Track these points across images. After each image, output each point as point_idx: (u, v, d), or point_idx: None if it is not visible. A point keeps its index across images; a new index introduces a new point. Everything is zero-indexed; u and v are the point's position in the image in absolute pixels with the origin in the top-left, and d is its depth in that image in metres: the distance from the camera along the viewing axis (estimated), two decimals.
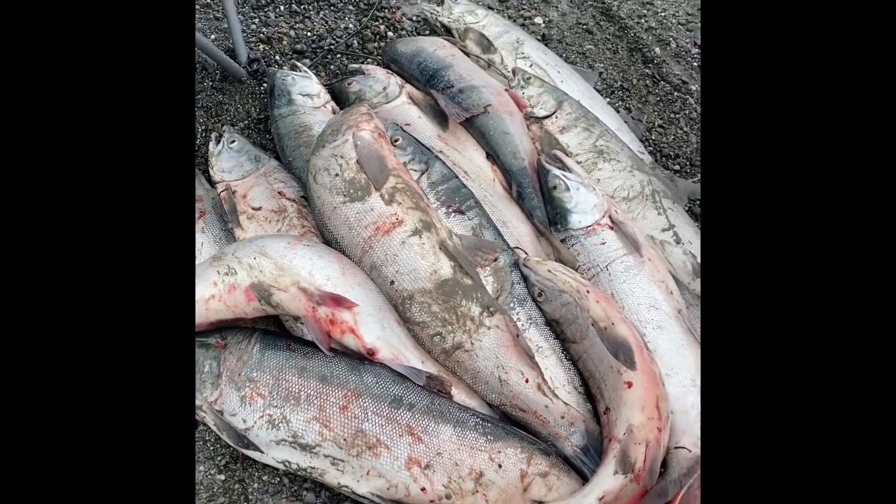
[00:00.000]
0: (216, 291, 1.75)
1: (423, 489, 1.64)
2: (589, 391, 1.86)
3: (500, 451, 1.69)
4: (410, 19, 2.97)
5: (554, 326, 1.93)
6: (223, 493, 1.67)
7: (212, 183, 2.17)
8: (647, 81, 3.02)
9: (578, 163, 2.30)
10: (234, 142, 2.22)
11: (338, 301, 1.73)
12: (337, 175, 1.93)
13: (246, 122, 2.44)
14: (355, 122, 2.00)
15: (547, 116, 2.39)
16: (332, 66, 2.72)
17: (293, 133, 2.28)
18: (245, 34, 2.67)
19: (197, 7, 2.78)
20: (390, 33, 2.87)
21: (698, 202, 2.53)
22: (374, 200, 1.89)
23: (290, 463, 1.67)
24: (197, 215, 2.02)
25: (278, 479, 1.71)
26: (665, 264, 2.06)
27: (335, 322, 1.74)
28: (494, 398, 1.82)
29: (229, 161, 2.18)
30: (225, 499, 1.66)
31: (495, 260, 1.97)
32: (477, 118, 2.29)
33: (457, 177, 2.11)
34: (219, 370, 1.72)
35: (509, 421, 1.81)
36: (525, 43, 2.73)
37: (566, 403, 1.80)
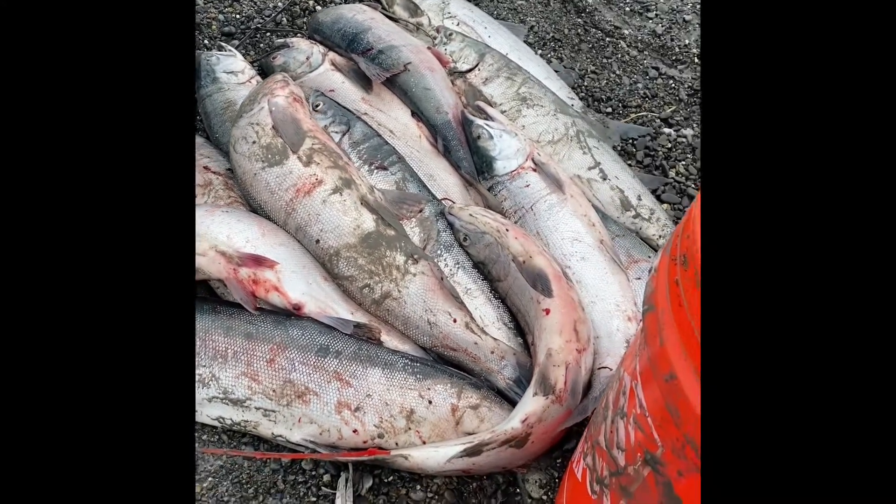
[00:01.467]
0: None
1: (355, 431, 1.68)
2: (518, 326, 1.91)
3: (429, 388, 1.73)
4: None
5: (480, 268, 1.97)
6: None
7: None
8: (580, 30, 3.04)
9: (503, 112, 2.33)
10: None
11: (258, 261, 1.77)
12: (254, 142, 1.96)
13: None
14: (270, 89, 2.04)
15: (470, 70, 2.42)
16: (261, 45, 2.75)
17: (219, 110, 2.32)
18: None
19: None
20: (318, 6, 2.90)
21: (632, 140, 2.56)
22: (293, 163, 1.92)
23: (224, 419, 1.71)
24: None
25: (217, 436, 1.75)
26: (586, 200, 2.10)
27: (258, 282, 1.78)
28: (426, 341, 1.86)
29: None
30: None
31: (420, 211, 2.00)
32: (398, 77, 2.32)
33: (379, 135, 2.15)
34: None
35: (444, 361, 1.85)
36: (451, 3, 2.75)
37: (495, 339, 1.84)
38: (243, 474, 1.70)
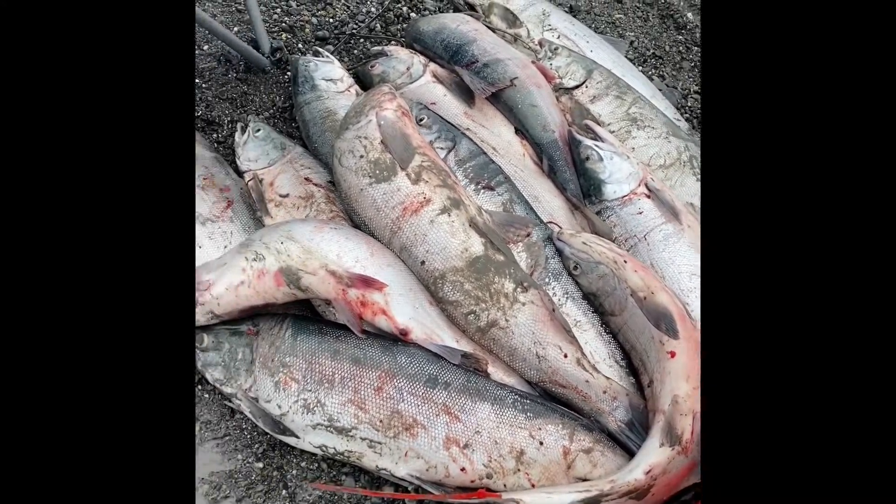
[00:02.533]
0: (245, 278, 1.73)
1: (462, 469, 1.60)
2: (631, 364, 1.80)
3: (540, 428, 1.64)
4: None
5: (591, 300, 1.86)
6: (262, 480, 1.66)
7: (239, 173, 2.16)
8: (681, 48, 2.91)
9: (611, 132, 2.22)
10: (259, 130, 2.20)
11: (367, 282, 1.69)
12: (362, 156, 1.89)
13: (271, 111, 2.43)
14: (378, 102, 1.96)
15: (577, 86, 2.31)
16: (355, 51, 2.68)
17: (318, 119, 2.26)
18: (267, 24, 2.66)
19: (218, 0, 2.78)
20: (413, 14, 2.83)
21: None
22: (401, 180, 1.85)
23: (327, 447, 1.64)
24: (224, 205, 2.01)
25: (316, 464, 1.69)
26: None
27: (366, 304, 1.71)
28: (533, 375, 1.77)
29: (255, 150, 2.16)
30: (264, 486, 1.65)
31: (528, 235, 1.91)
32: (503, 92, 2.23)
33: (485, 153, 2.06)
34: (252, 357, 1.70)
35: (550, 398, 1.75)
36: (552, 14, 2.65)
37: (607, 378, 1.74)
38: None
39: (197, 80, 2.46)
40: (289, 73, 2.52)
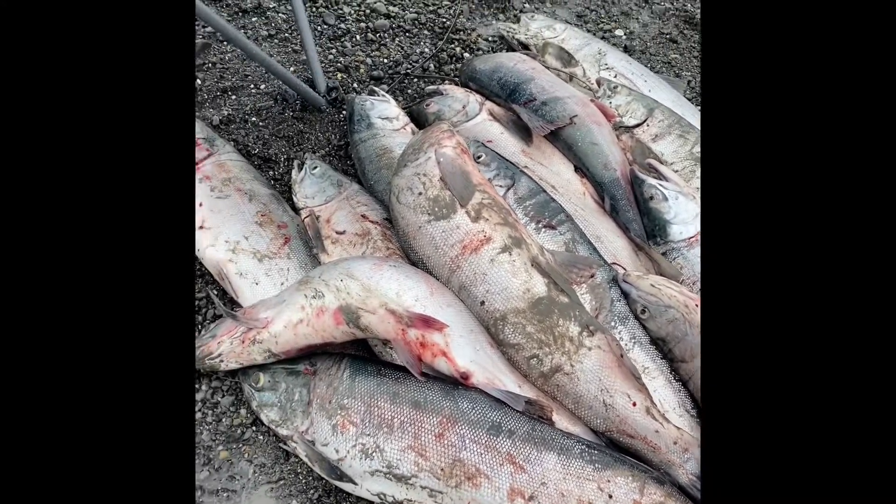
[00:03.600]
0: (304, 316, 1.70)
1: None
2: (701, 414, 1.70)
3: (609, 481, 1.54)
4: (486, 39, 2.92)
5: (660, 345, 1.78)
6: None
7: (296, 210, 2.15)
8: None
9: (675, 171, 2.16)
10: (315, 168, 2.19)
11: (428, 322, 1.64)
12: (420, 193, 1.86)
13: (327, 149, 2.42)
14: (437, 139, 1.94)
15: (638, 125, 2.27)
16: (409, 91, 2.69)
17: (374, 156, 2.24)
18: (322, 64, 2.68)
19: (275, 41, 2.82)
20: (466, 55, 2.83)
21: None
22: (460, 218, 1.80)
23: (385, 495, 1.57)
24: (282, 242, 1.99)
25: None
26: None
27: (426, 345, 1.65)
28: (599, 424, 1.68)
29: (312, 187, 2.15)
30: None
31: (592, 276, 1.85)
32: (563, 130, 2.19)
33: (544, 191, 2.02)
34: (309, 398, 1.65)
35: (617, 449, 1.66)
36: (608, 54, 2.63)
37: (678, 428, 1.65)
38: None
39: (254, 119, 2.48)
40: (344, 112, 2.53)
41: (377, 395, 1.61)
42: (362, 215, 2.05)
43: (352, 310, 1.67)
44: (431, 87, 2.53)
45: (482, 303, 1.76)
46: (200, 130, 2.22)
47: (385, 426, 1.58)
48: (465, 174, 1.87)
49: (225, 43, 2.76)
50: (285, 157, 2.37)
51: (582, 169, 2.18)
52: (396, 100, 2.56)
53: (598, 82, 2.43)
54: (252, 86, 2.60)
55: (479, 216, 1.80)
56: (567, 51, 2.62)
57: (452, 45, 2.87)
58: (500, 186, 2.00)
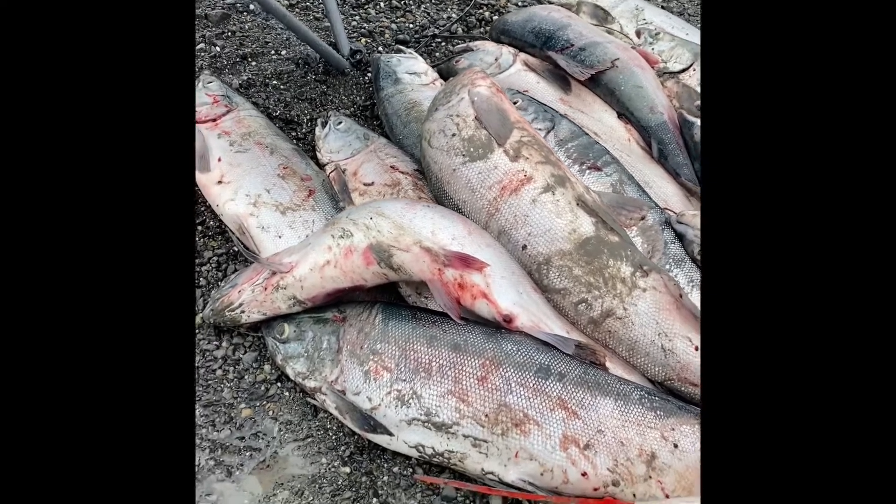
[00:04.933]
0: (332, 256, 1.56)
1: (584, 474, 1.35)
2: None
3: (673, 429, 1.38)
4: (516, 4, 2.80)
5: None
6: (349, 486, 1.44)
7: (320, 166, 2.03)
8: None
9: None
10: (340, 123, 2.08)
11: (466, 261, 1.50)
12: (454, 135, 1.73)
13: (351, 109, 2.31)
14: (470, 80, 1.81)
15: (683, 70, 2.12)
16: (436, 54, 2.57)
17: (402, 111, 2.12)
18: (346, 31, 2.58)
19: (296, 10, 2.73)
20: (494, 17, 2.71)
21: None
22: (498, 157, 1.67)
23: (423, 447, 1.42)
24: (305, 194, 1.86)
25: (410, 469, 1.46)
26: None
27: (464, 286, 1.51)
28: (658, 372, 1.52)
29: (337, 141, 2.03)
30: (352, 493, 1.43)
31: (642, 218, 1.70)
32: (604, 75, 2.06)
33: (587, 133, 1.88)
34: (338, 345, 1.51)
35: (679, 399, 1.50)
36: (645, 10, 2.49)
37: None
38: None
39: (274, 82, 2.37)
40: (369, 75, 2.42)
41: (413, 338, 1.47)
42: (391, 166, 1.92)
43: (383, 248, 1.53)
44: (460, 45, 2.41)
45: (524, 247, 1.62)
46: (219, 88, 2.11)
47: (422, 371, 1.43)
48: (501, 112, 1.74)
49: (244, 13, 2.67)
50: (308, 117, 2.26)
51: (626, 115, 2.04)
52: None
53: (638, 32, 2.29)
54: (273, 52, 2.50)
55: (518, 155, 1.66)
56: (602, 7, 2.49)
57: (481, 10, 2.76)
58: (540, 129, 1.87)
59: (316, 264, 1.56)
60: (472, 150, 1.69)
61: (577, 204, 1.61)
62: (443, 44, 2.61)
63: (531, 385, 1.40)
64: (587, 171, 1.79)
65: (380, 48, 2.56)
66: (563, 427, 1.37)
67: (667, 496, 1.35)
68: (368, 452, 1.49)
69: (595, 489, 1.35)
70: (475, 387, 1.40)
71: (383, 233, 1.54)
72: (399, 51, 2.37)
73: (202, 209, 1.93)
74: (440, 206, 1.67)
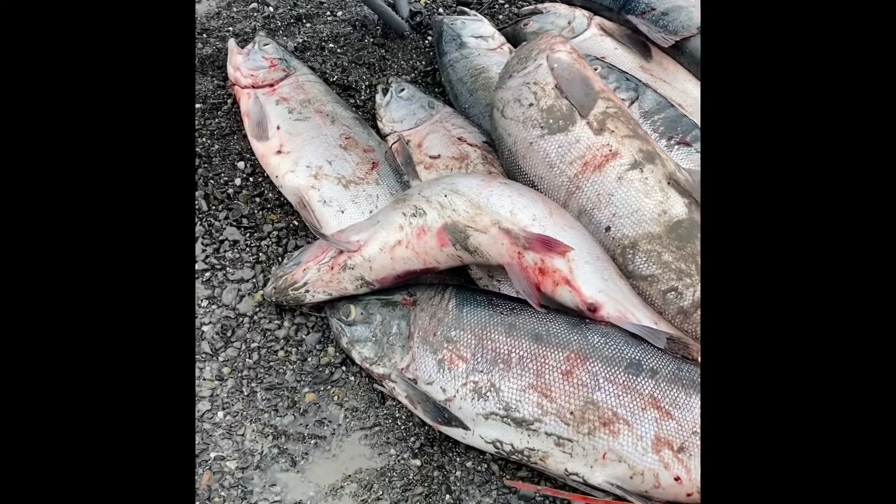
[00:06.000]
0: (403, 236, 1.46)
1: (677, 479, 1.25)
2: None
3: None
4: None
5: None
6: (420, 481, 1.36)
7: (381, 136, 1.92)
8: None
9: None
10: (403, 90, 1.96)
11: (549, 245, 1.38)
12: (531, 105, 1.60)
13: (412, 75, 2.19)
14: (548, 45, 1.67)
15: None
16: (500, 17, 2.42)
17: (468, 77, 2.00)
18: None
19: None
20: None
21: None
22: (581, 130, 1.54)
23: (502, 444, 1.33)
24: (369, 166, 1.76)
25: (485, 465, 1.38)
26: None
27: (545, 271, 1.39)
28: None
29: (399, 110, 1.92)
30: (423, 488, 1.35)
31: None
32: (688, 42, 1.91)
33: (673, 106, 1.73)
34: (409, 331, 1.42)
35: None
36: None
37: None
38: None
39: (331, 45, 2.26)
40: (429, 39, 2.29)
41: (490, 326, 1.37)
42: (459, 138, 1.81)
43: (459, 228, 1.43)
44: (528, 7, 2.26)
45: (607, 228, 1.50)
46: (276, 51, 2.01)
47: (501, 362, 1.33)
48: (584, 80, 1.60)
49: None
50: (366, 84, 2.14)
51: None
52: None
53: None
54: (328, 13, 2.38)
55: (602, 128, 1.53)
56: None
57: None
58: (623, 100, 1.73)
59: (386, 244, 1.46)
60: (551, 121, 1.56)
61: (668, 183, 1.48)
62: (507, 6, 2.46)
63: (621, 381, 1.29)
64: (676, 147, 1.66)
65: (440, 10, 2.42)
66: (655, 428, 1.26)
67: None
68: (440, 445, 1.41)
69: (689, 495, 1.25)
70: (559, 381, 1.30)
71: (459, 212, 1.43)
72: (462, 13, 2.23)
73: (260, 180, 1.85)
74: (518, 184, 1.55)
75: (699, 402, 1.28)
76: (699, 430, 1.26)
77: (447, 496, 1.34)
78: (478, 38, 2.09)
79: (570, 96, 1.57)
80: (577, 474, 1.29)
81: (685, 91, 1.88)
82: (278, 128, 1.81)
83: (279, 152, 1.77)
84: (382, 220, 1.50)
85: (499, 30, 2.21)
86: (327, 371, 1.51)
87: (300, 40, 2.27)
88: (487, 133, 1.80)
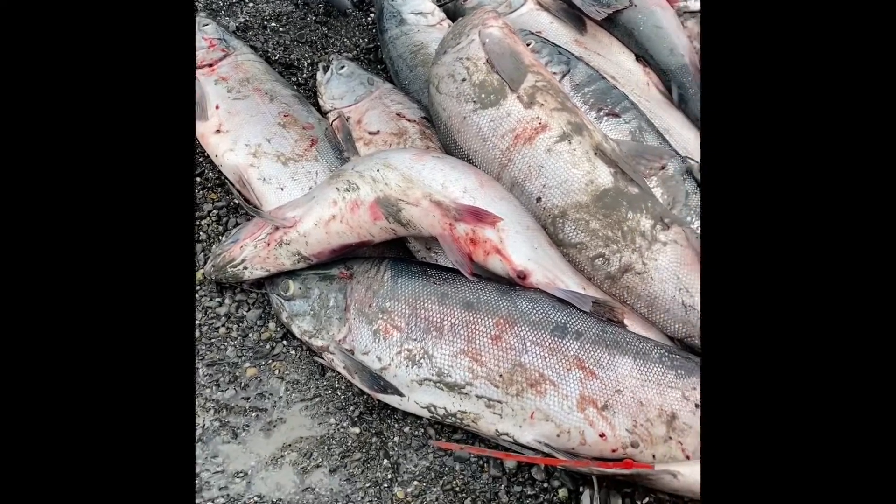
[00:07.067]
0: (337, 211, 1.49)
1: (602, 435, 1.31)
2: None
3: (695, 388, 1.33)
4: None
5: None
6: (359, 447, 1.40)
7: (322, 113, 1.93)
8: None
9: None
10: (343, 67, 1.97)
11: (479, 216, 1.43)
12: (464, 80, 1.63)
13: (354, 52, 2.20)
14: (480, 20, 1.70)
15: None
16: None
17: (407, 54, 2.02)
18: None
19: None
20: None
21: None
22: (511, 104, 1.58)
23: (436, 408, 1.38)
24: (308, 143, 1.78)
25: (422, 430, 1.42)
26: None
27: (477, 241, 1.44)
28: (678, 329, 1.47)
29: (339, 87, 1.93)
30: (362, 454, 1.39)
31: (663, 167, 1.61)
32: (621, 15, 1.94)
33: (604, 78, 1.78)
34: (346, 303, 1.45)
35: (699, 356, 1.44)
36: None
37: None
38: (456, 480, 1.36)
39: (273, 24, 2.25)
40: (372, 15, 2.30)
41: (423, 296, 1.41)
42: (397, 114, 1.83)
43: (391, 202, 1.46)
44: None
45: (538, 199, 1.54)
46: (215, 31, 2.00)
47: (434, 330, 1.38)
48: (515, 54, 1.63)
49: None
50: (309, 62, 2.15)
51: (644, 57, 1.93)
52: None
53: None
54: None
55: (532, 101, 1.57)
56: None
57: None
58: (555, 73, 1.76)
59: (321, 219, 1.49)
60: (483, 96, 1.60)
61: (595, 153, 1.52)
62: None
63: (547, 344, 1.34)
64: (605, 118, 1.70)
65: None
66: (580, 387, 1.32)
67: (687, 457, 1.31)
68: (378, 412, 1.45)
69: (613, 451, 1.31)
70: (489, 346, 1.35)
71: (391, 186, 1.46)
72: None
73: (200, 160, 1.85)
74: (450, 157, 1.58)
75: (623, 362, 1.34)
76: (622, 388, 1.32)
77: (385, 461, 1.38)
78: (417, 14, 2.10)
79: (501, 71, 1.60)
80: (507, 434, 1.34)
81: (618, 63, 1.92)
82: (217, 107, 1.81)
83: (218, 131, 1.78)
84: (317, 195, 1.53)
85: (439, 6, 2.23)
86: (268, 346, 1.54)
87: (242, 20, 2.26)
88: (426, 108, 1.83)
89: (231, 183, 1.73)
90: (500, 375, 1.33)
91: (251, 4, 2.33)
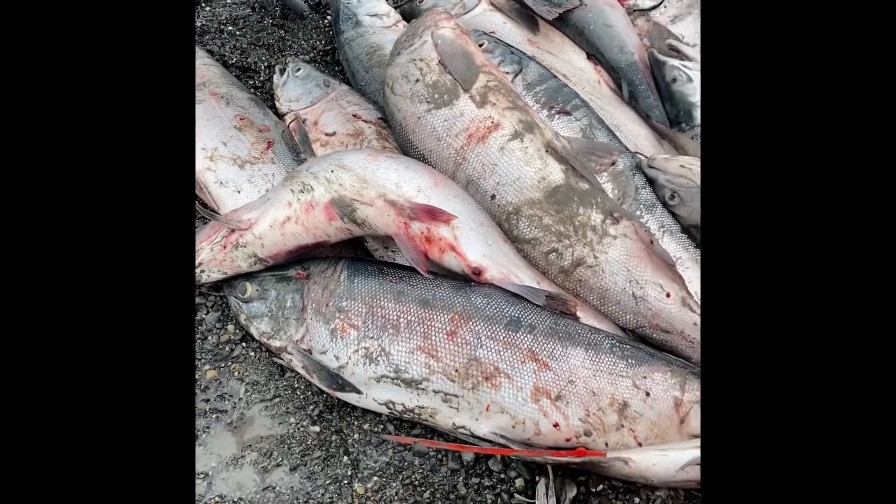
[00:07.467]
0: (292, 212, 1.50)
1: (556, 425, 1.34)
2: None
3: (645, 377, 1.37)
4: None
5: (693, 233, 1.60)
6: (319, 445, 1.42)
7: (280, 116, 1.94)
8: None
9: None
10: (299, 70, 1.98)
11: (433, 214, 1.45)
12: (417, 80, 1.65)
13: (311, 54, 2.21)
14: (433, 21, 1.73)
15: (654, 7, 2.05)
16: None
17: (363, 55, 2.03)
18: None
19: None
20: None
21: None
22: (464, 103, 1.60)
23: (394, 404, 1.40)
24: (264, 146, 1.79)
25: (381, 426, 1.44)
26: None
27: (432, 239, 1.46)
28: (629, 320, 1.51)
29: (296, 90, 1.95)
30: (322, 452, 1.41)
31: (613, 163, 1.65)
32: (572, 14, 1.98)
33: (556, 76, 1.81)
34: (303, 304, 1.47)
35: (651, 346, 1.49)
36: None
37: None
38: (415, 474, 1.38)
39: (229, 28, 2.25)
40: (329, 18, 2.31)
41: (379, 294, 1.43)
42: (353, 115, 1.85)
43: (345, 202, 1.48)
44: None
45: (493, 197, 1.57)
46: None
47: (390, 327, 1.40)
48: (466, 55, 1.66)
49: None
50: (266, 65, 2.16)
51: (595, 56, 1.97)
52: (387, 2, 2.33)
53: None
54: None
55: (484, 101, 1.60)
56: None
57: None
58: (507, 73, 1.79)
59: (276, 221, 1.50)
60: (436, 96, 1.62)
61: (547, 151, 1.56)
62: None
63: (501, 338, 1.37)
64: (556, 116, 1.74)
65: None
66: (533, 379, 1.35)
67: (639, 444, 1.35)
68: (338, 411, 1.47)
69: (567, 440, 1.35)
70: (444, 342, 1.38)
71: (345, 186, 1.48)
72: None
73: None
74: (405, 157, 1.61)
75: (575, 353, 1.38)
76: (575, 379, 1.35)
77: (345, 458, 1.40)
78: (373, 16, 2.12)
79: (454, 71, 1.63)
80: (464, 427, 1.37)
81: (570, 62, 1.96)
82: None
83: None
84: (272, 197, 1.54)
85: (395, 7, 2.25)
86: (227, 348, 1.55)
87: (199, 24, 2.26)
88: (382, 109, 1.85)
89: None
90: (456, 370, 1.36)
91: (207, 8, 2.33)
